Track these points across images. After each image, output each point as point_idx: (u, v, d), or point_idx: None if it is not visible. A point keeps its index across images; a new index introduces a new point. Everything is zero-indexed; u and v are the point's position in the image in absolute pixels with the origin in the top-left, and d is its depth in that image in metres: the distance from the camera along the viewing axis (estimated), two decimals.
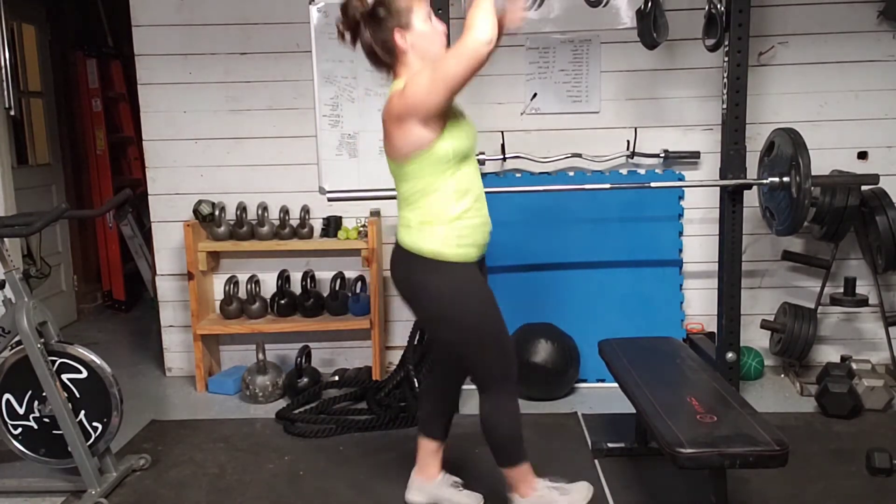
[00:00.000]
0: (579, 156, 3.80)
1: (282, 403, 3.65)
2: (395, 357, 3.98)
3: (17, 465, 2.96)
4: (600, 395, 3.67)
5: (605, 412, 3.44)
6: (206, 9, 3.81)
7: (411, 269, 2.31)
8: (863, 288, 3.73)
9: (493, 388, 2.38)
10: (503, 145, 3.74)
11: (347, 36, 2.31)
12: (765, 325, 3.76)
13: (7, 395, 2.76)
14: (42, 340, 2.70)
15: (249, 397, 3.69)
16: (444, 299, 2.29)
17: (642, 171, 3.87)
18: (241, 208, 3.86)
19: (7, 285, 2.69)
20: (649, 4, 3.28)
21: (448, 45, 2.30)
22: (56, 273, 4.99)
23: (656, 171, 3.86)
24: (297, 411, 3.50)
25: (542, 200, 3.79)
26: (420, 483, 2.65)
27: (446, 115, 2.22)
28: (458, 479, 2.68)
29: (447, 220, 2.26)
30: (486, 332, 2.34)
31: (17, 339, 2.71)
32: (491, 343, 2.35)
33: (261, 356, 3.69)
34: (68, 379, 2.75)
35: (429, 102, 2.15)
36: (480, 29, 2.09)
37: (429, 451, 2.63)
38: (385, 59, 2.28)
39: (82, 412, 2.76)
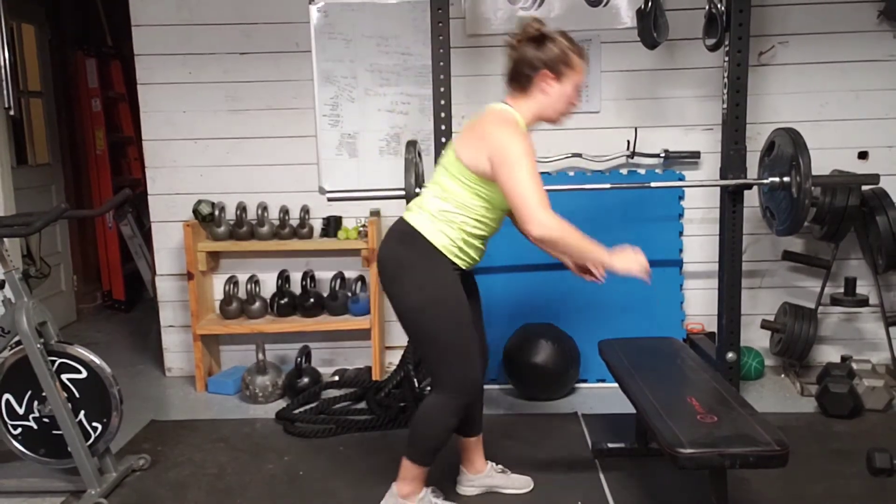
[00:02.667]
0: (579, 156, 3.79)
1: (282, 403, 3.65)
2: (395, 357, 3.98)
3: (16, 465, 2.95)
4: (600, 395, 3.67)
5: (605, 412, 3.44)
6: (205, 9, 3.81)
7: (407, 245, 2.35)
8: (863, 288, 3.73)
9: (444, 390, 2.39)
10: None
11: (512, 48, 2.35)
12: (765, 325, 3.76)
13: (7, 395, 2.76)
14: (42, 340, 2.70)
15: (249, 397, 3.69)
16: (426, 287, 2.33)
17: (642, 171, 3.87)
18: (241, 208, 3.86)
19: (7, 285, 2.69)
20: (649, 4, 3.28)
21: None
22: (56, 273, 4.99)
23: (656, 170, 3.86)
24: (296, 411, 3.50)
25: None
26: (469, 477, 2.73)
27: None
28: (503, 467, 2.77)
29: (460, 231, 2.34)
30: (454, 334, 2.36)
31: (16, 339, 2.71)
32: (456, 347, 2.36)
33: (260, 356, 3.69)
34: (68, 379, 2.75)
35: (489, 169, 2.24)
36: (551, 227, 2.19)
37: (469, 446, 2.70)
38: (518, 79, 2.33)
39: (82, 412, 2.76)
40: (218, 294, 4.00)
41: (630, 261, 2.25)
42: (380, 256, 2.44)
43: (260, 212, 3.86)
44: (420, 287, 2.34)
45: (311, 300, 3.88)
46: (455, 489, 2.74)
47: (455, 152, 2.34)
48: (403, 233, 2.38)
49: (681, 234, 3.87)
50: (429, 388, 2.65)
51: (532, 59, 2.28)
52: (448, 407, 2.40)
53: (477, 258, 2.44)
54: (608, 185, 3.53)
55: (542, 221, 2.17)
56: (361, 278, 3.92)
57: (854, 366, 3.50)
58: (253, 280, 3.90)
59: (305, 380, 3.70)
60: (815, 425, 3.26)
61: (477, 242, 2.40)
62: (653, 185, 3.48)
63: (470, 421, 2.64)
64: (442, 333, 2.35)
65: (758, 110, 3.73)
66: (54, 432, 2.73)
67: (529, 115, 2.35)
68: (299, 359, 3.73)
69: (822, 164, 3.57)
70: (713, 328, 3.68)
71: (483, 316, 2.64)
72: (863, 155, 3.83)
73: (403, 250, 2.37)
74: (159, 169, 3.95)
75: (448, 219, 2.33)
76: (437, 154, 3.27)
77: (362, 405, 3.60)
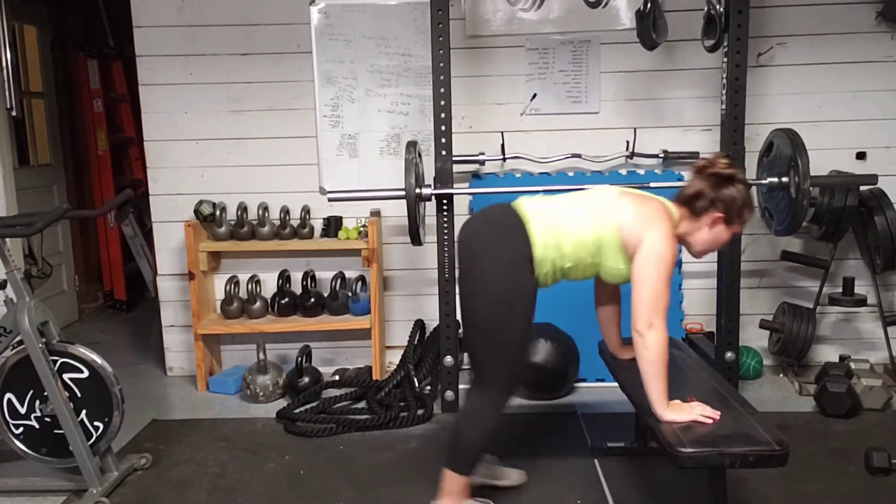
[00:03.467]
0: (579, 156, 3.80)
1: (282, 403, 3.66)
2: (395, 357, 3.99)
3: (18, 465, 2.97)
4: (600, 394, 3.68)
5: (604, 411, 3.45)
6: (207, 10, 3.82)
7: (509, 235, 2.34)
8: (861, 288, 3.74)
9: (494, 387, 2.39)
10: (503, 145, 3.75)
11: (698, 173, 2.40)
12: (764, 324, 3.77)
13: (9, 395, 2.77)
14: (43, 340, 2.71)
15: (250, 397, 3.70)
16: (513, 278, 2.32)
17: (641, 172, 3.88)
18: (242, 208, 3.87)
19: (9, 285, 2.70)
20: (648, 5, 3.29)
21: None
22: (57, 273, 5.01)
23: (655, 171, 3.87)
24: (297, 411, 3.51)
25: None
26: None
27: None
28: (496, 458, 2.79)
29: (560, 263, 2.36)
30: (522, 333, 2.37)
31: (18, 338, 2.72)
32: (512, 346, 2.36)
33: (261, 356, 3.70)
34: (69, 378, 2.76)
35: (633, 249, 2.30)
36: (655, 336, 2.23)
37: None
38: (691, 203, 2.37)
39: (83, 411, 2.77)
40: (219, 294, 4.01)
41: (683, 413, 2.25)
42: (473, 231, 2.42)
43: (261, 212, 3.87)
44: (507, 275, 2.32)
45: (312, 300, 3.89)
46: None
47: (618, 210, 2.35)
48: (510, 223, 2.36)
49: None
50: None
51: (712, 197, 2.32)
52: (497, 405, 2.38)
53: (550, 283, 2.45)
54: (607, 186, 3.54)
55: (656, 324, 2.22)
56: (362, 278, 3.94)
57: (852, 365, 3.51)
58: (254, 280, 3.91)
59: (306, 379, 3.71)
60: (813, 425, 3.27)
61: (557, 273, 2.40)
62: (652, 185, 3.48)
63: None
64: (512, 328, 2.34)
65: (756, 111, 3.74)
66: (56, 431, 2.74)
67: (683, 231, 2.39)
68: (300, 358, 3.74)
69: (820, 164, 3.58)
70: (712, 328, 3.69)
71: None
72: (861, 155, 3.83)
73: (503, 235, 2.36)
74: (160, 169, 3.97)
75: (560, 243, 2.34)
76: (437, 154, 3.29)
77: (362, 405, 3.61)
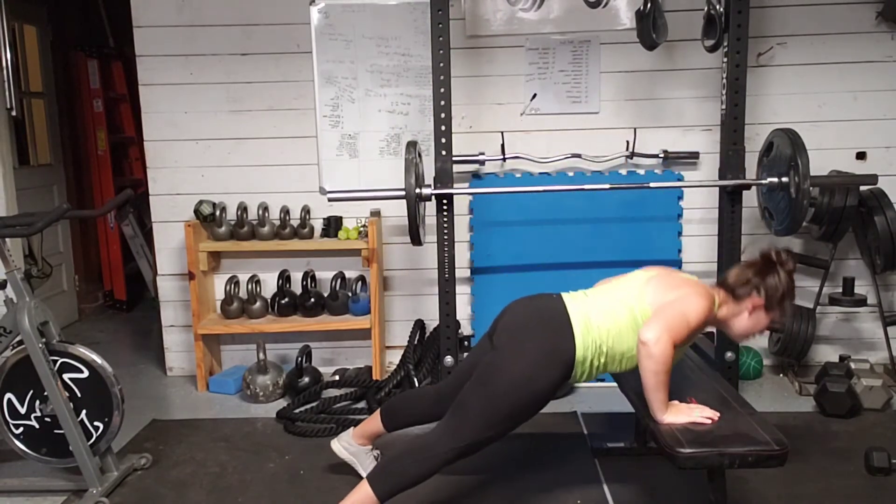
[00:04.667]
0: (579, 156, 3.80)
1: (282, 403, 3.66)
2: (395, 357, 3.99)
3: (18, 465, 2.97)
4: (600, 394, 3.68)
5: (604, 412, 3.45)
6: (207, 10, 3.82)
7: (553, 328, 2.37)
8: (861, 288, 3.74)
9: (455, 436, 2.35)
10: (503, 145, 3.75)
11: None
12: None
13: (8, 395, 2.77)
14: (43, 340, 2.71)
15: (250, 397, 3.70)
16: (540, 370, 2.33)
17: (641, 172, 3.88)
18: (242, 208, 3.87)
19: (9, 285, 2.70)
20: (648, 5, 3.29)
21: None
22: (57, 273, 5.01)
23: (655, 171, 3.87)
24: (297, 411, 3.51)
25: (542, 200, 3.80)
26: (351, 443, 2.83)
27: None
28: (379, 453, 2.83)
29: (600, 352, 2.37)
30: (515, 420, 2.38)
31: (18, 338, 2.72)
32: (505, 428, 2.38)
33: (261, 356, 3.70)
34: (69, 378, 2.76)
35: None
36: (659, 349, 2.22)
37: (378, 432, 2.77)
38: (735, 287, 2.39)
39: (83, 411, 2.77)
40: (219, 294, 4.01)
41: (683, 415, 2.27)
42: (518, 313, 2.47)
43: (261, 212, 3.87)
44: (542, 369, 2.33)
45: (312, 300, 3.89)
46: (332, 442, 2.86)
47: (645, 290, 2.37)
48: (559, 317, 2.38)
49: (680, 234, 3.88)
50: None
51: (756, 284, 2.35)
52: (447, 456, 2.34)
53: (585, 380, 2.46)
54: (607, 186, 3.54)
55: (664, 339, 2.21)
56: (362, 278, 3.94)
57: (852, 365, 3.51)
58: (254, 280, 3.91)
59: (306, 379, 3.71)
60: (813, 425, 3.27)
61: (595, 370, 2.41)
62: (652, 185, 3.48)
63: (404, 417, 2.73)
64: (514, 415, 2.36)
65: (756, 111, 3.74)
66: (56, 431, 2.74)
67: (723, 315, 2.40)
68: (300, 358, 3.74)
69: (820, 164, 3.58)
70: (712, 328, 3.68)
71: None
72: (861, 155, 3.84)
73: (546, 325, 2.38)
74: (161, 169, 3.97)
75: (602, 342, 2.35)
76: (437, 154, 3.28)
77: (362, 405, 3.61)
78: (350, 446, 2.82)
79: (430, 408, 2.67)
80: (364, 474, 2.53)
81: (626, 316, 2.35)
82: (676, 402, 2.29)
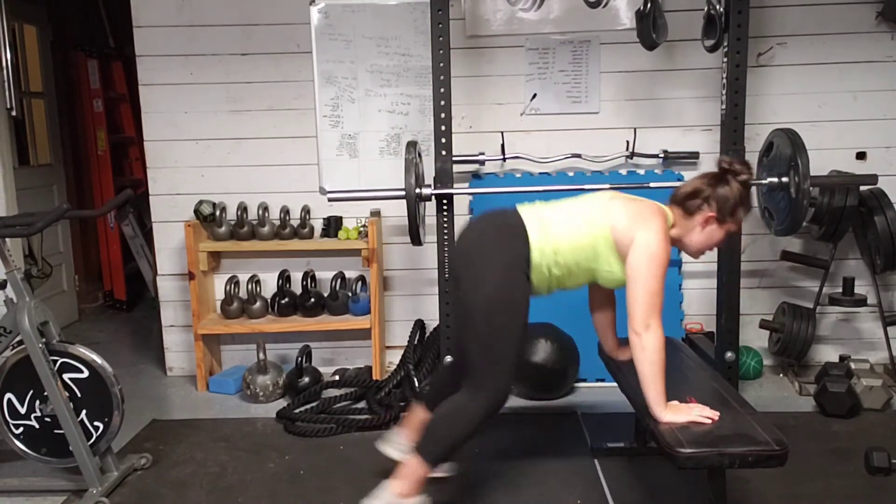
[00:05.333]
0: (579, 156, 3.81)
1: (282, 403, 3.66)
2: (395, 357, 3.99)
3: (18, 465, 2.97)
4: (600, 394, 3.68)
5: (604, 411, 3.45)
6: (207, 10, 3.82)
7: (506, 239, 2.35)
8: (861, 288, 3.74)
9: (481, 393, 2.35)
10: (503, 145, 3.75)
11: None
12: (764, 324, 3.77)
13: (8, 395, 2.77)
14: (43, 340, 2.71)
15: (250, 397, 3.70)
16: (508, 285, 2.32)
17: (641, 172, 3.88)
18: (242, 208, 3.87)
19: (9, 285, 2.70)
20: (648, 5, 3.29)
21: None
22: (57, 273, 5.01)
23: (655, 171, 3.87)
24: (297, 411, 3.51)
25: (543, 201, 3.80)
26: (401, 441, 2.76)
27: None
28: None
29: (554, 269, 2.36)
30: (514, 341, 2.36)
31: (18, 338, 2.72)
32: (510, 354, 2.35)
33: (261, 356, 3.70)
34: (69, 378, 2.76)
35: (627, 250, 2.30)
36: (651, 335, 2.23)
37: (422, 419, 2.70)
38: (685, 202, 2.39)
39: (83, 411, 2.77)
40: (219, 294, 4.02)
41: (682, 414, 2.24)
42: (468, 236, 2.43)
43: (261, 212, 3.87)
44: (504, 280, 2.32)
45: (312, 300, 3.89)
46: (378, 443, 2.81)
47: (608, 211, 2.35)
48: (509, 226, 2.37)
49: None
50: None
51: (706, 196, 2.34)
52: (479, 412, 2.34)
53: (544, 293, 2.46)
54: (607, 186, 3.53)
55: (652, 325, 2.22)
56: (362, 278, 3.94)
57: (852, 365, 3.51)
58: (254, 280, 3.91)
59: (306, 379, 3.71)
60: (813, 424, 3.27)
61: (554, 281, 2.41)
62: (652, 185, 3.49)
63: (439, 398, 2.63)
64: (504, 336, 2.34)
65: (756, 111, 3.74)
66: (56, 431, 2.74)
67: (677, 233, 2.40)
68: (300, 358, 3.74)
69: (820, 164, 3.58)
70: (712, 328, 3.69)
71: None
72: (861, 155, 3.84)
73: (500, 240, 2.37)
74: (161, 169, 3.97)
75: (557, 249, 2.34)
76: (437, 154, 3.29)
77: (362, 404, 3.61)
78: (403, 446, 2.75)
79: (459, 374, 2.63)
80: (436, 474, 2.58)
81: (585, 229, 2.34)
82: (676, 402, 2.29)
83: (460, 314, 2.42)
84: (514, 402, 3.63)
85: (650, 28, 3.30)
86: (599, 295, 2.73)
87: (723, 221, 2.36)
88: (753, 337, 3.90)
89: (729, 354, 3.41)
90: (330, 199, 3.52)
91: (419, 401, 2.76)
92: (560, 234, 2.35)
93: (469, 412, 2.36)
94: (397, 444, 2.78)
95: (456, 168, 3.49)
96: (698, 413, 2.24)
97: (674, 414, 2.24)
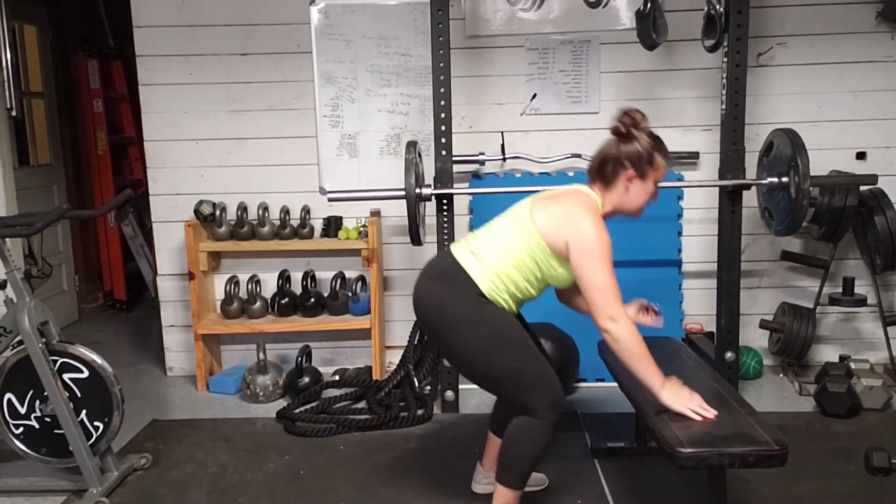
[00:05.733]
0: (579, 156, 3.80)
1: (282, 403, 3.66)
2: (395, 357, 3.99)
3: (18, 465, 2.97)
4: (600, 394, 3.68)
5: (604, 412, 3.45)
6: (207, 10, 3.82)
7: (449, 284, 2.32)
8: (861, 288, 3.74)
9: (537, 415, 2.29)
10: (503, 145, 3.75)
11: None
12: (764, 324, 3.77)
13: (8, 395, 2.77)
14: (43, 340, 2.71)
15: (250, 397, 3.70)
16: (479, 325, 2.29)
17: None
18: (242, 208, 3.87)
19: (9, 285, 2.70)
20: (648, 5, 3.29)
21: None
22: (57, 273, 5.01)
23: None
24: (297, 411, 3.51)
25: None
26: (486, 475, 2.69)
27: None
28: None
29: (510, 288, 2.32)
30: (525, 361, 2.31)
31: (18, 338, 2.72)
32: (533, 373, 2.30)
33: (261, 356, 3.70)
34: (69, 378, 2.76)
35: (566, 251, 2.26)
36: (620, 325, 2.21)
37: (495, 445, 2.63)
38: (602, 172, 2.35)
39: (83, 411, 2.77)
40: (219, 294, 4.01)
41: (680, 401, 2.22)
42: (421, 301, 2.39)
43: (261, 212, 3.87)
44: (473, 327, 2.29)
45: (312, 300, 3.89)
46: (470, 486, 2.74)
47: (533, 218, 2.31)
48: (445, 271, 2.35)
49: (680, 234, 3.88)
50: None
51: (617, 156, 2.31)
52: (543, 427, 2.30)
53: (515, 308, 2.41)
54: None
55: (615, 316, 2.20)
56: (362, 278, 3.94)
57: (852, 365, 3.51)
58: (254, 280, 3.91)
59: (306, 379, 3.71)
60: (813, 425, 3.27)
61: (517, 301, 2.38)
62: None
63: (504, 420, 2.58)
64: (513, 365, 2.30)
65: (756, 111, 3.74)
66: (56, 431, 2.74)
67: (610, 207, 2.37)
68: (300, 358, 3.74)
69: (820, 164, 3.58)
70: (712, 328, 3.69)
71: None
72: (861, 155, 3.83)
73: (446, 291, 2.33)
74: (161, 169, 3.97)
75: (502, 273, 2.30)
76: (437, 154, 3.29)
77: (362, 405, 3.61)
78: (491, 477, 2.61)
79: None
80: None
81: (518, 245, 2.30)
82: (676, 378, 2.26)
83: (463, 368, 2.42)
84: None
85: (650, 28, 3.30)
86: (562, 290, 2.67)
87: (645, 175, 2.32)
88: (753, 337, 3.90)
89: (729, 354, 3.41)
90: (330, 199, 3.52)
91: (490, 429, 2.69)
92: (499, 260, 2.31)
93: (536, 431, 2.30)
94: (482, 478, 2.72)
95: (456, 168, 3.49)
96: (697, 404, 2.21)
97: (673, 397, 2.22)
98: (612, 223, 3.80)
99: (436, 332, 2.40)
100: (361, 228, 3.88)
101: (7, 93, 4.00)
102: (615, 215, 2.40)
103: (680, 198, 3.87)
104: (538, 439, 2.31)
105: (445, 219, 3.32)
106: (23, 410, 2.78)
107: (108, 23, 5.59)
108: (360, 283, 3.93)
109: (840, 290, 3.67)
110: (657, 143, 2.34)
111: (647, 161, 2.31)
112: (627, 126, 2.32)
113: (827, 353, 3.93)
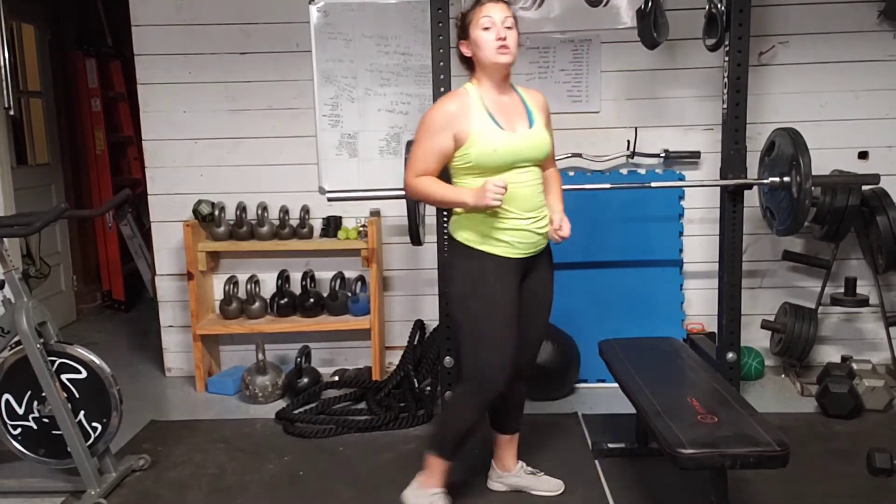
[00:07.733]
0: (579, 156, 3.79)
1: (281, 404, 3.65)
2: (395, 357, 3.98)
3: (16, 466, 2.96)
4: (600, 395, 3.67)
5: (605, 412, 3.44)
6: (205, 9, 3.81)
7: (449, 246, 2.53)
8: (863, 288, 3.73)
9: (466, 380, 2.47)
10: None
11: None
12: (765, 325, 3.76)
13: (6, 396, 2.76)
14: (41, 340, 2.70)
15: (249, 397, 3.69)
16: (462, 279, 2.45)
17: (642, 171, 3.86)
18: (241, 208, 3.86)
19: (6, 285, 2.69)
20: (649, 4, 3.28)
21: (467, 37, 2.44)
22: (55, 273, 4.99)
23: (656, 170, 3.86)
24: (296, 411, 3.50)
25: None
26: (499, 474, 2.75)
27: (466, 130, 2.36)
28: (535, 469, 2.78)
29: (474, 220, 2.42)
30: (481, 324, 2.39)
31: (16, 339, 2.71)
32: (480, 338, 2.40)
33: (260, 356, 3.69)
34: (68, 379, 2.75)
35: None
36: (414, 184, 2.42)
37: (501, 443, 2.73)
38: (464, 64, 2.50)
39: (82, 412, 2.76)
40: (218, 294, 4.00)
41: (481, 197, 2.28)
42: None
43: (260, 212, 3.86)
44: (458, 279, 2.46)
45: (311, 300, 3.88)
46: (486, 484, 2.77)
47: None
48: (450, 236, 2.52)
49: (681, 234, 3.87)
50: (449, 393, 2.75)
51: (456, 47, 2.47)
52: (468, 399, 2.45)
53: (521, 240, 2.41)
54: (608, 185, 3.53)
55: (405, 181, 2.46)
56: (361, 278, 3.92)
57: (854, 366, 3.50)
58: (253, 280, 3.90)
59: (305, 380, 3.70)
60: (815, 425, 3.26)
61: (504, 225, 2.38)
62: (653, 185, 3.48)
63: (504, 417, 2.68)
64: (470, 323, 2.41)
65: (758, 110, 3.73)
66: (54, 432, 2.73)
67: (481, 75, 2.44)
68: (299, 359, 3.73)
69: (822, 164, 3.57)
70: (713, 328, 3.67)
71: (544, 310, 2.63)
72: (863, 155, 3.83)
73: (449, 249, 2.55)
74: (159, 169, 3.95)
75: (458, 211, 2.44)
76: None
77: (362, 405, 3.60)
78: (505, 478, 2.75)
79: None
80: (538, 491, 2.71)
81: (453, 178, 2.49)
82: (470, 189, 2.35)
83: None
84: None
85: (651, 27, 3.28)
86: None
87: (468, 33, 2.40)
88: (755, 337, 3.89)
89: (730, 355, 3.40)
90: (329, 199, 3.50)
91: (492, 428, 2.74)
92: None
93: (461, 399, 2.48)
94: (496, 477, 2.77)
95: None
96: (491, 186, 2.25)
97: (475, 198, 2.29)
98: (614, 224, 3.82)
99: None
100: (361, 228, 3.87)
101: (5, 92, 3.98)
102: (493, 72, 2.43)
103: (681, 197, 3.86)
104: (461, 414, 2.48)
105: (445, 219, 3.30)
106: (21, 411, 2.77)
107: (106, 22, 5.58)
108: (359, 283, 3.92)
109: (842, 290, 3.66)
110: (470, 9, 2.43)
111: (461, 27, 2.43)
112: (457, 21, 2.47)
113: (829, 354, 3.92)
